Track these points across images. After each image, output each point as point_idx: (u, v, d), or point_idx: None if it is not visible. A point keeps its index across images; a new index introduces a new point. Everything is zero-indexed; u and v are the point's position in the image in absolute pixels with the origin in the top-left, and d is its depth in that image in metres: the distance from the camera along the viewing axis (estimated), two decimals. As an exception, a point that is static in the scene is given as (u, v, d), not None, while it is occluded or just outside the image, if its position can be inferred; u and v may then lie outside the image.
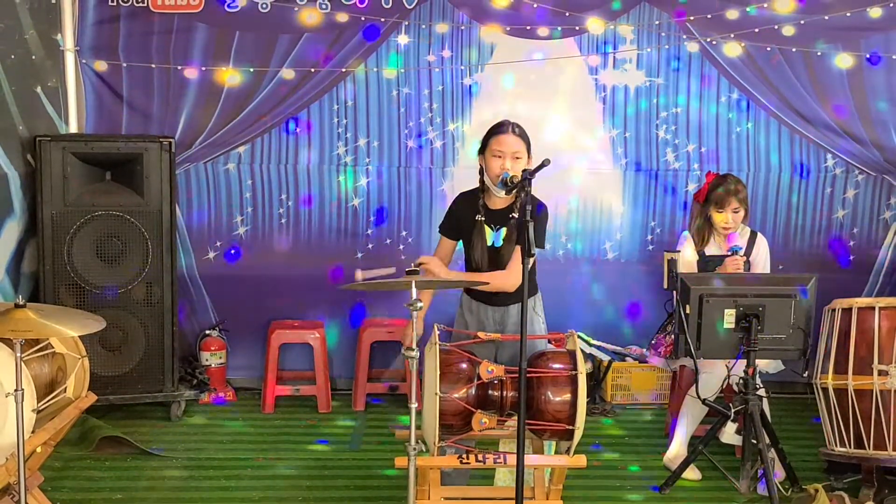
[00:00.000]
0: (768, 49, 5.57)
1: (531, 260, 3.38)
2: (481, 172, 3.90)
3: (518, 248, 3.76)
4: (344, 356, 5.76)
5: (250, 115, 5.55)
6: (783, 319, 4.19)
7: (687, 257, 4.77)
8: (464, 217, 3.94)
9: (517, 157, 3.79)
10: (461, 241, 4.01)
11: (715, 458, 4.50)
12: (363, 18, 5.49)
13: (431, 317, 4.00)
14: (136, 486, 4.41)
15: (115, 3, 5.40)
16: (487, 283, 3.79)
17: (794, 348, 4.26)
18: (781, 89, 5.64)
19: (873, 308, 4.21)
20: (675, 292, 4.35)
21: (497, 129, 3.87)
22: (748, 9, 5.50)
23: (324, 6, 5.47)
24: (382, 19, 5.50)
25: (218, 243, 5.69)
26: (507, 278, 3.79)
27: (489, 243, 3.87)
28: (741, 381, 4.26)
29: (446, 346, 3.56)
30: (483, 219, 3.87)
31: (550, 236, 5.63)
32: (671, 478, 4.47)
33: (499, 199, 3.87)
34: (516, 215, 3.81)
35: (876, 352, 4.13)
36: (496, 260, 3.87)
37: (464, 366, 3.53)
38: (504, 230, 3.85)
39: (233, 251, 5.69)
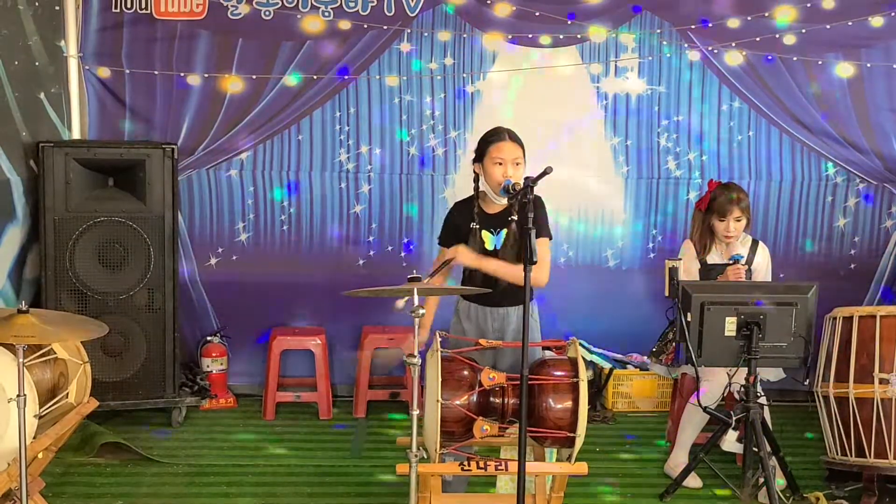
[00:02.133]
0: (769, 57, 5.59)
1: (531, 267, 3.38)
2: (476, 180, 3.91)
3: (543, 239, 3.77)
4: (345, 362, 5.75)
5: (253, 122, 5.56)
6: (784, 328, 4.18)
7: (688, 265, 4.77)
8: (460, 225, 3.95)
9: (517, 163, 3.82)
10: None
11: (716, 466, 4.50)
12: (366, 26, 5.50)
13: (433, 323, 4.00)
14: (137, 492, 4.41)
15: (118, 10, 5.42)
16: (513, 276, 3.71)
17: (795, 356, 4.25)
18: (782, 98, 5.65)
19: (874, 316, 4.21)
20: (676, 300, 4.35)
21: (494, 137, 3.88)
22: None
23: (326, 14, 5.49)
24: (385, 27, 5.51)
25: (220, 249, 5.70)
26: (540, 271, 3.76)
27: (490, 247, 3.88)
28: (742, 388, 4.26)
29: (448, 353, 3.57)
30: (478, 226, 3.88)
31: (551, 243, 5.65)
32: (672, 485, 4.47)
33: (496, 204, 3.89)
34: (515, 217, 3.81)
35: (877, 360, 4.14)
36: None
37: (465, 373, 3.54)
38: (504, 232, 3.86)
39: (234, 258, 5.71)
